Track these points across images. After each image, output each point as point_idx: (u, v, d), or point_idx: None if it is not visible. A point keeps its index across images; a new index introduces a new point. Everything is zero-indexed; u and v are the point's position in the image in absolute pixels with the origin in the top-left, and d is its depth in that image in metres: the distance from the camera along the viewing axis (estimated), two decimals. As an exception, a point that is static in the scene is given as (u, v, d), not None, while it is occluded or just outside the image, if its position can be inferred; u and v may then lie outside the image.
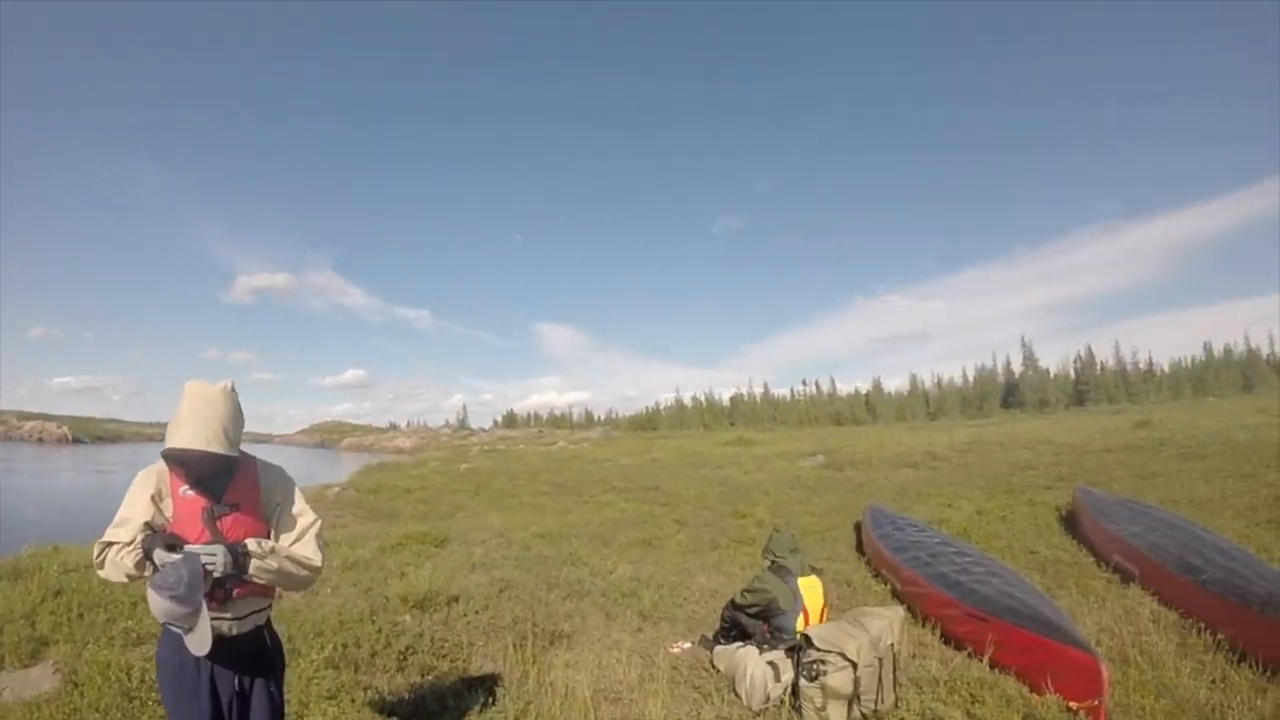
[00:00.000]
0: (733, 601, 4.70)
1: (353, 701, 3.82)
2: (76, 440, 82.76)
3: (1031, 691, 3.76)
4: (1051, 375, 73.29)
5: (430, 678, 4.31)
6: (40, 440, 79.67)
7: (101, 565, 2.06)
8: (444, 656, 4.67)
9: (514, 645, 4.85)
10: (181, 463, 2.09)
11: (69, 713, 3.49)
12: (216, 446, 2.03)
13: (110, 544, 2.06)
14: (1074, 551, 7.04)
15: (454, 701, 3.91)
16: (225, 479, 2.18)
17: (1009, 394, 73.65)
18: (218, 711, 2.17)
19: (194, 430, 2.01)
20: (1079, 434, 19.14)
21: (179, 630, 1.98)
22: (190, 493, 2.13)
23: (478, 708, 3.81)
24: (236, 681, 2.20)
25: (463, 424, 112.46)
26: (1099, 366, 71.25)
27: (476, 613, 5.57)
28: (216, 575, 1.98)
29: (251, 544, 2.09)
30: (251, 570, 2.06)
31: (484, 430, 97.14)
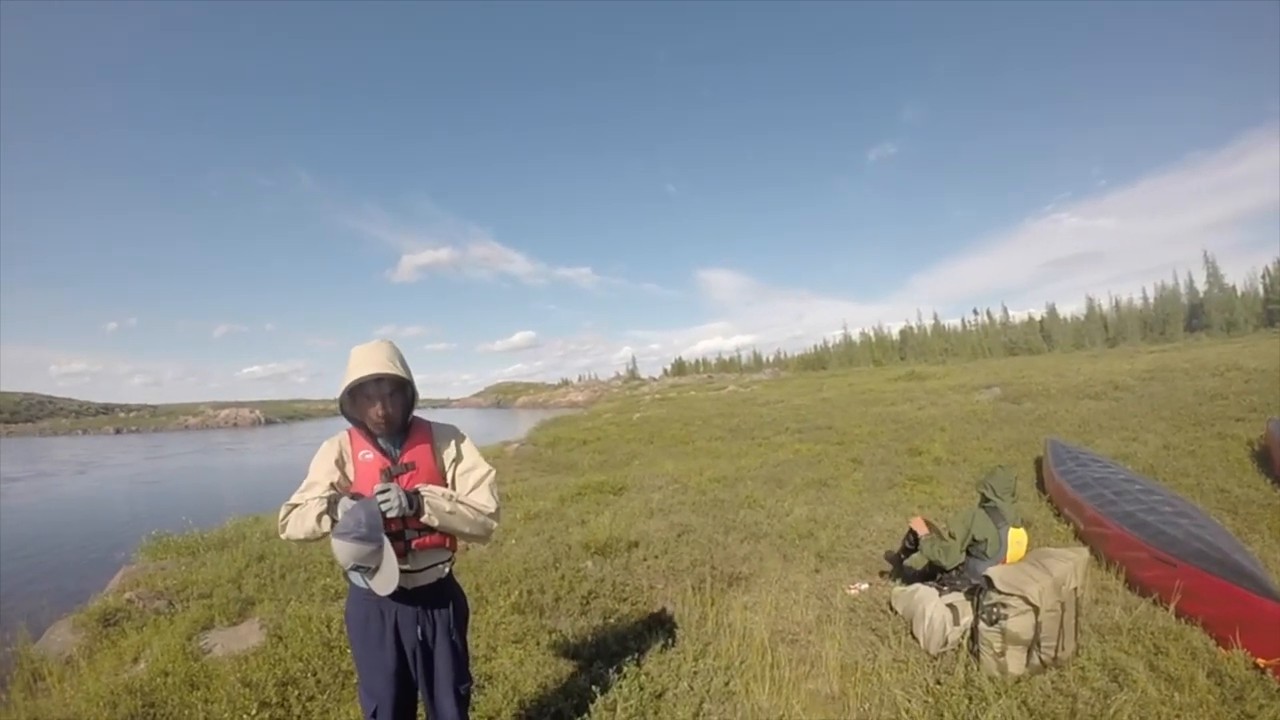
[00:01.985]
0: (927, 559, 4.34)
1: (538, 644, 4.01)
2: (268, 422, 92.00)
3: (1218, 644, 3.50)
4: (1239, 294, 62.06)
5: (612, 620, 4.43)
6: (235, 425, 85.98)
7: (285, 526, 2.21)
8: (625, 600, 4.80)
9: (693, 588, 4.89)
10: (366, 394, 2.19)
11: (274, 663, 3.87)
12: (393, 370, 2.15)
13: (295, 505, 2.21)
14: (1268, 491, 6.44)
15: (635, 643, 3.99)
16: (400, 440, 2.29)
17: (1193, 315, 63.53)
18: (402, 661, 2.29)
19: (367, 365, 2.14)
20: (1271, 359, 17.07)
21: (364, 575, 2.09)
22: (370, 455, 2.25)
23: (658, 648, 3.86)
24: (419, 631, 2.29)
25: (632, 375, 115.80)
26: (1290, 283, 59.07)
27: (656, 557, 5.68)
28: (392, 514, 2.07)
29: (423, 486, 2.18)
30: (425, 511, 2.13)
31: (654, 379, 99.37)
